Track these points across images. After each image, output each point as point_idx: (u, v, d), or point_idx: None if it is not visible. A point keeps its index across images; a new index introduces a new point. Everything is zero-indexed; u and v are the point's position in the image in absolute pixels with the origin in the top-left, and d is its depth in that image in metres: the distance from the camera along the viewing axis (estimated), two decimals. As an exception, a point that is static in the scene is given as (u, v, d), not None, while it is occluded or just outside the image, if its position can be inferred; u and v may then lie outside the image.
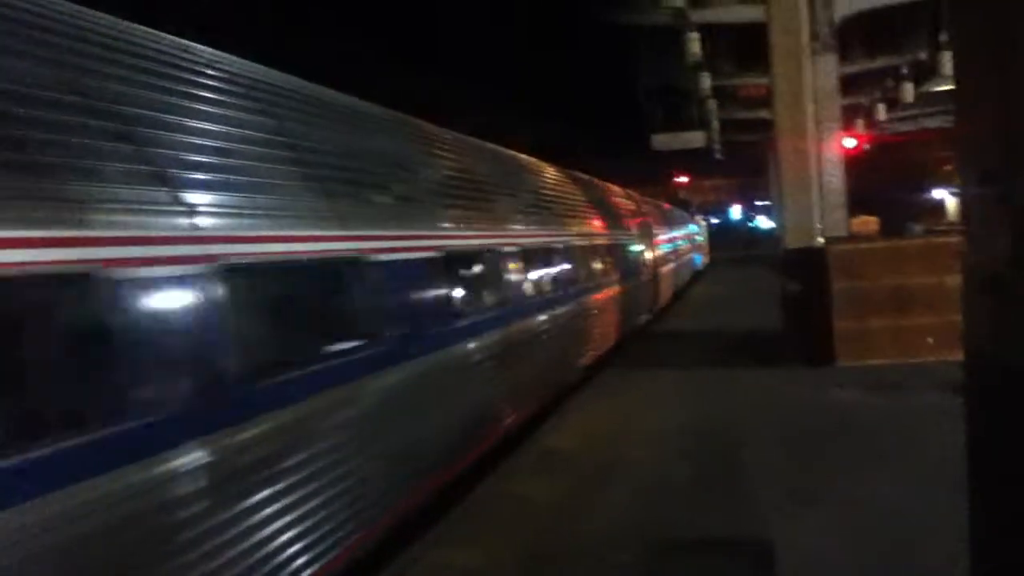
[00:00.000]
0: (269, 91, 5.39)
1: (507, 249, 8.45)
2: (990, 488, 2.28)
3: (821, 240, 11.98)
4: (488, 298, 7.90)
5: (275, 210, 4.68)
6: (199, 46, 4.96)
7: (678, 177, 49.14)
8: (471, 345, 7.24)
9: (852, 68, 23.64)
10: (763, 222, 65.65)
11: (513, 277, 8.53)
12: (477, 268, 7.80)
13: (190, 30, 4.94)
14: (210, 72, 4.81)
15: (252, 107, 5.03)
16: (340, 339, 5.20)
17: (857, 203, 19.49)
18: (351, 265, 5.36)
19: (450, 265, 6.97)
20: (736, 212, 76.21)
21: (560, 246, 10.63)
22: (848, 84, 24.58)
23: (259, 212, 4.52)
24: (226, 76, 4.97)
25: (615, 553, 5.40)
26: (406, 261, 6.08)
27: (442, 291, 6.78)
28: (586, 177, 15.43)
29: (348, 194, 5.64)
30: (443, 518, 6.27)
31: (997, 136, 2.01)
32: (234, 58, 5.28)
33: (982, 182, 2.07)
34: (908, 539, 5.12)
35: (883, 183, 32.89)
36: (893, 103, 27.95)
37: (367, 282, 5.48)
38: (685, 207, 44.82)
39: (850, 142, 23.92)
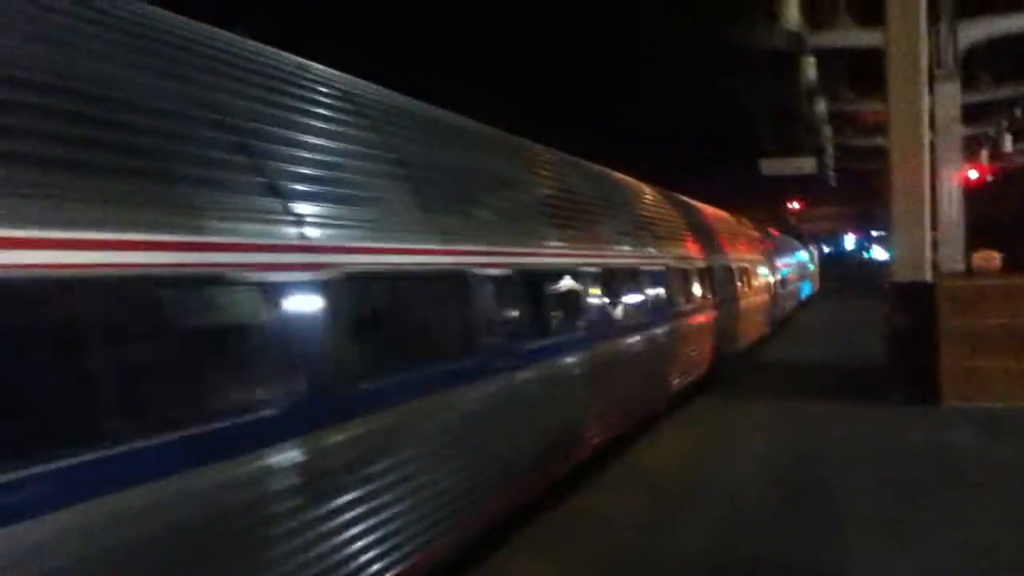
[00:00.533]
0: (383, 110, 5.70)
1: (602, 270, 8.43)
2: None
3: (929, 275, 11.51)
4: (584, 317, 7.87)
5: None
6: (321, 67, 5.27)
7: (790, 203, 48.05)
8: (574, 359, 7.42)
9: (977, 96, 22.74)
10: (878, 252, 63.54)
11: (602, 299, 8.48)
12: (585, 287, 7.90)
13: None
14: (338, 95, 5.18)
15: (367, 125, 5.34)
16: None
17: (980, 236, 18.75)
18: (453, 278, 5.54)
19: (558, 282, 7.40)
20: (850, 241, 74.00)
21: (654, 269, 10.51)
22: (973, 113, 23.69)
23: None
24: (347, 96, 5.31)
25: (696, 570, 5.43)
26: (507, 277, 6.17)
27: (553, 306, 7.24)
28: (686, 200, 15.27)
29: (454, 210, 5.82)
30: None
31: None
32: (353, 79, 5.61)
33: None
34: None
35: (1009, 216, 31.38)
36: (1020, 134, 26.72)
37: (467, 294, 5.64)
38: (796, 234, 43.87)
39: (972, 173, 22.97)
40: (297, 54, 5.09)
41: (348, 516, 4.13)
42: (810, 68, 19.59)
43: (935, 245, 12.02)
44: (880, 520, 6.34)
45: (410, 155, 5.56)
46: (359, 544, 4.23)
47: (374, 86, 5.84)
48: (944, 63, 18.36)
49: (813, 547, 5.80)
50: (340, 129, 4.92)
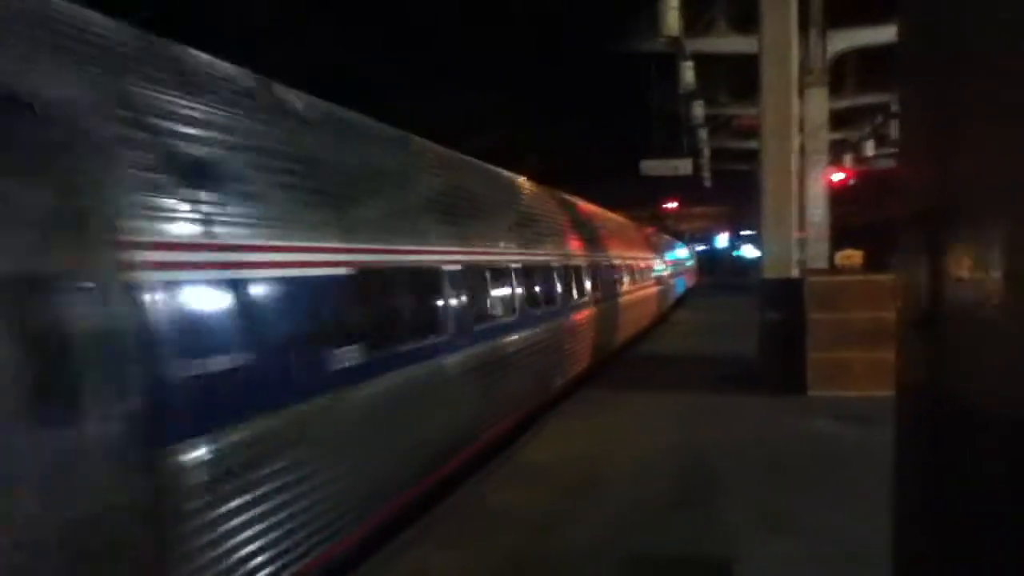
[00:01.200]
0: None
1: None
2: (912, 504, 2.41)
3: (796, 272, 12.17)
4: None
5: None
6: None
7: (667, 203, 49.47)
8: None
9: (842, 103, 24.01)
10: (749, 251, 66.03)
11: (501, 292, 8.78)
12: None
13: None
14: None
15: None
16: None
17: (845, 237, 19.78)
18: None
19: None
20: (723, 240, 76.60)
21: (552, 265, 10.86)
22: (839, 118, 24.99)
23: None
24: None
25: (588, 565, 5.56)
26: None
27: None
28: (566, 197, 15.54)
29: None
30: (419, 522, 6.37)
31: (932, 183, 2.15)
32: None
33: (913, 224, 2.21)
34: (860, 558, 5.26)
35: (871, 218, 33.22)
36: (882, 139, 28.35)
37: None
38: (673, 233, 45.28)
39: (837, 176, 24.24)
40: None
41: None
42: (688, 72, 20.26)
43: (803, 244, 12.69)
44: (752, 501, 6.75)
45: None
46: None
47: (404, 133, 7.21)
48: (813, 70, 19.35)
49: (702, 538, 6.09)
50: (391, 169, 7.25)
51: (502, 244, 9.53)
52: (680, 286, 36.35)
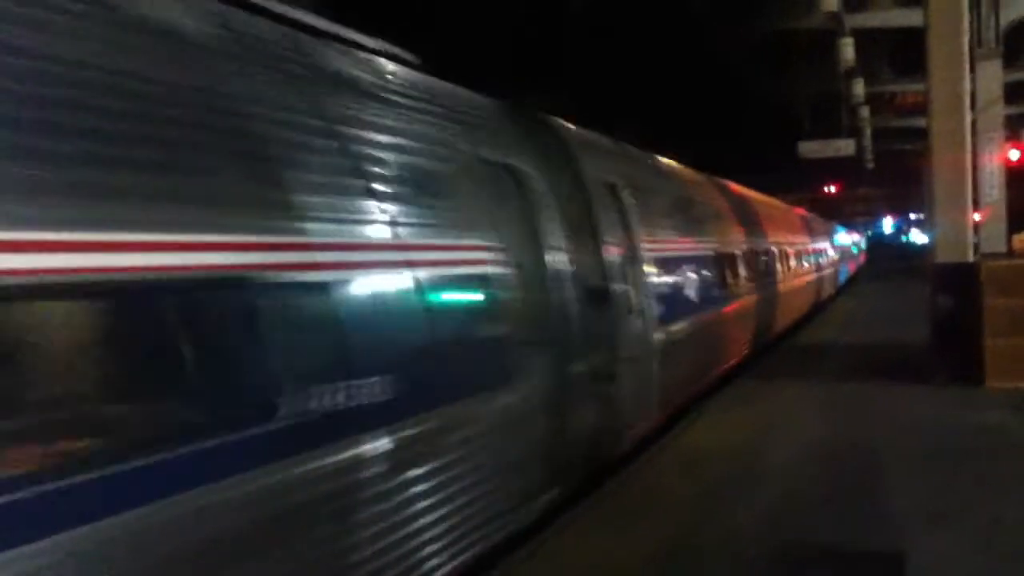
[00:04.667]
0: None
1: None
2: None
3: (971, 256, 11.48)
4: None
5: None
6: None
7: (827, 186, 47.64)
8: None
9: (1020, 75, 22.47)
10: (917, 236, 62.77)
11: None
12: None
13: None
14: None
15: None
16: None
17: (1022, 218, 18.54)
18: None
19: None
20: (887, 224, 73.12)
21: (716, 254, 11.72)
22: (1015, 92, 23.40)
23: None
24: None
25: (746, 550, 5.52)
26: None
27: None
28: (739, 188, 15.64)
29: None
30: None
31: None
32: None
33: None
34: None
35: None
36: (1066, 113, 26.35)
37: None
38: (841, 220, 43.76)
39: (1014, 153, 22.69)
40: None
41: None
42: (848, 49, 19.48)
43: (977, 226, 11.95)
44: (924, 487, 6.47)
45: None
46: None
47: None
48: (986, 42, 18.17)
49: (865, 528, 5.89)
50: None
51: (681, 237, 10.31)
52: (843, 273, 35.03)
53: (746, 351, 13.71)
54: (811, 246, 23.64)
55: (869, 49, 21.10)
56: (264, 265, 3.53)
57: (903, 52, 21.83)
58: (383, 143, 4.69)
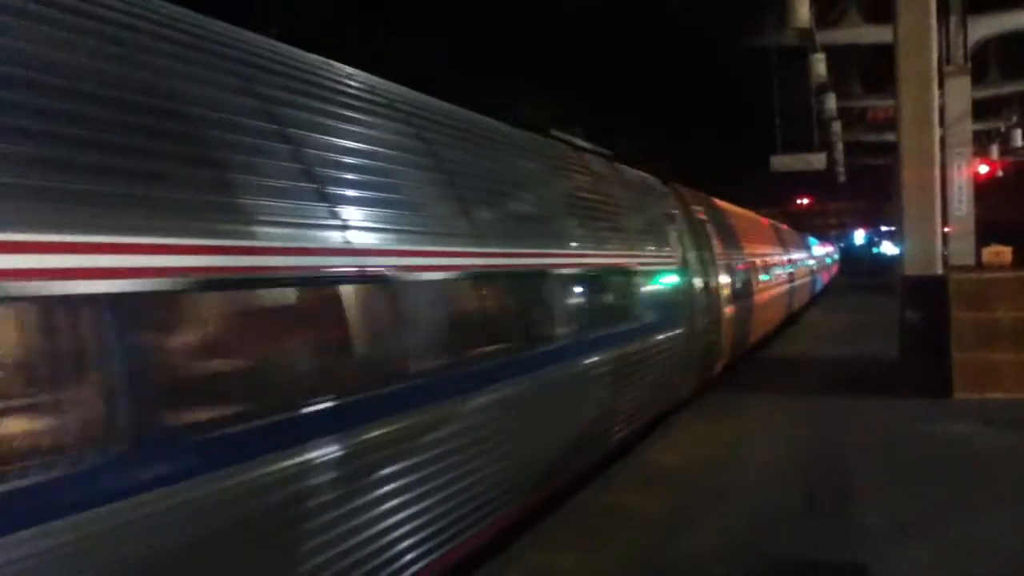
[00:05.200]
0: None
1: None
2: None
3: (940, 270, 11.61)
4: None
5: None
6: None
7: (799, 199, 48.04)
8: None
9: (987, 91, 22.81)
10: (888, 248, 63.44)
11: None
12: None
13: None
14: None
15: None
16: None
17: (991, 232, 18.79)
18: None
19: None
20: (859, 237, 73.82)
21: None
22: (983, 107, 23.73)
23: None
24: None
25: (712, 567, 5.49)
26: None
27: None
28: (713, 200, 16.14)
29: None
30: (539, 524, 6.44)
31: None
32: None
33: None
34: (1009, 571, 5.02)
35: (1020, 211, 31.37)
36: (1032, 128, 26.76)
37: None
38: (812, 232, 44.14)
39: (983, 168, 23.00)
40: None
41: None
42: (820, 65, 19.65)
43: (946, 240, 12.07)
44: (889, 508, 6.51)
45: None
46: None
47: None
48: (954, 59, 18.43)
49: (834, 543, 5.91)
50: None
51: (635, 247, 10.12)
52: (816, 284, 35.32)
53: (769, 328, 19.24)
54: (784, 257, 23.83)
55: (840, 65, 21.31)
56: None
57: (874, 68, 22.07)
58: (632, 206, 10.09)
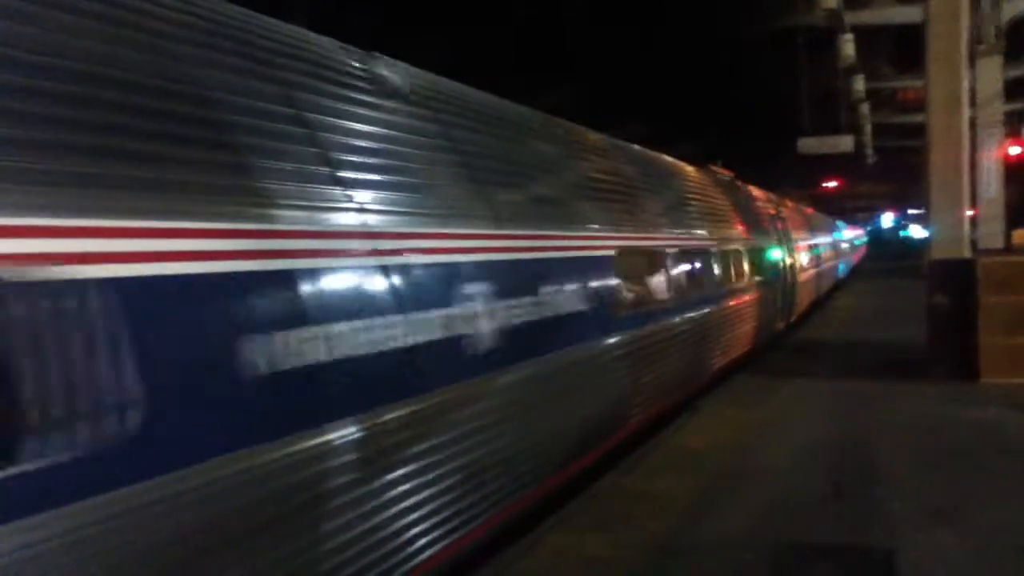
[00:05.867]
0: None
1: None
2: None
3: (968, 252, 11.48)
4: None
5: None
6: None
7: (827, 182, 47.55)
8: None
9: (1019, 71, 22.43)
10: (916, 231, 62.76)
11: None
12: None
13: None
14: None
15: None
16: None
17: (1022, 215, 18.51)
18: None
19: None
20: (887, 220, 73.01)
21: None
22: (1015, 87, 23.34)
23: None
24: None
25: (741, 552, 5.50)
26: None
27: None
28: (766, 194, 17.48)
29: None
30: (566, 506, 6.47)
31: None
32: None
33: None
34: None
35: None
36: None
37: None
38: (840, 215, 43.76)
39: (1014, 149, 22.64)
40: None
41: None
42: (848, 46, 19.44)
43: (975, 223, 11.92)
44: (916, 492, 6.49)
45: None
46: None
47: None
48: (986, 37, 18.15)
49: (862, 528, 5.90)
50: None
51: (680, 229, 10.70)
52: (842, 268, 35.04)
53: (810, 299, 21.89)
54: (811, 241, 23.70)
55: (869, 46, 21.04)
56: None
57: (903, 48, 21.77)
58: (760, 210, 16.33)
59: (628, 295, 8.09)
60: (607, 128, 9.82)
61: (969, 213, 11.49)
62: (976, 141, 15.49)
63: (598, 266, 7.04)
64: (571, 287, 6.38)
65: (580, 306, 6.49)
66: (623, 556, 5.49)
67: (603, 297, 6.99)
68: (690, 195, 11.41)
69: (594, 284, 6.83)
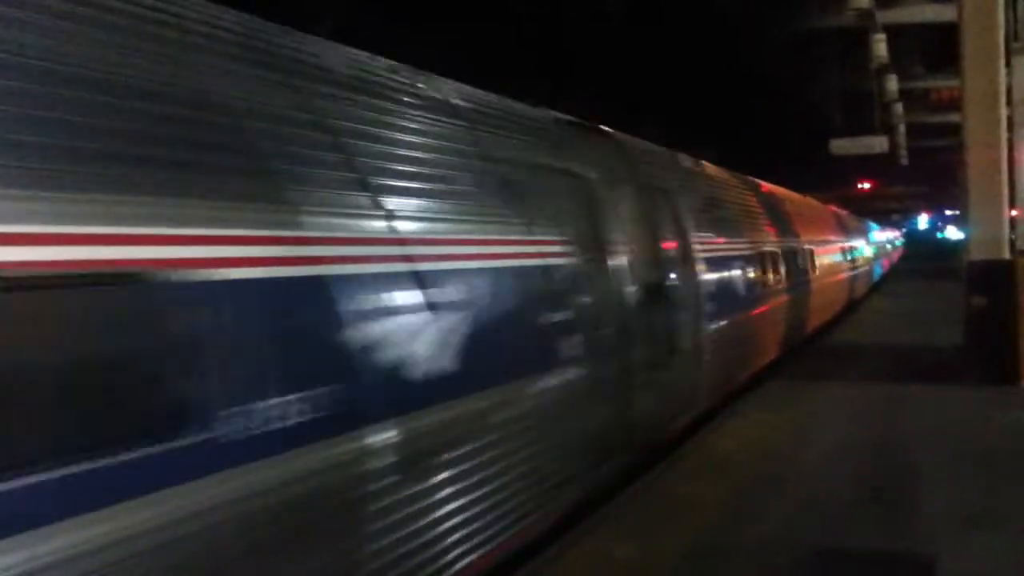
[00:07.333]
0: None
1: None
2: None
3: (1007, 254, 11.29)
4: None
5: None
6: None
7: (860, 184, 47.03)
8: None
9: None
10: (952, 233, 61.93)
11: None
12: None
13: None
14: None
15: None
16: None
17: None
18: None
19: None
20: (923, 221, 72.11)
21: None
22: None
23: None
24: None
25: (774, 557, 5.43)
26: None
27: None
28: (768, 185, 16.31)
29: None
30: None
31: None
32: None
33: None
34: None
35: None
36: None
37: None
38: (875, 217, 43.42)
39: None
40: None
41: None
42: (880, 45, 19.22)
43: (1013, 224, 11.71)
44: (961, 489, 6.38)
45: None
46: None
47: None
48: (1022, 35, 17.85)
49: (899, 533, 5.81)
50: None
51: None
52: (877, 271, 34.66)
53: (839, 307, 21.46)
54: (844, 244, 23.49)
55: (901, 45, 20.80)
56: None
57: (937, 47, 21.51)
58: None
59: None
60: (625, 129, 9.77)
61: (1012, 213, 11.28)
62: (1014, 140, 15.22)
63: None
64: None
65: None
66: (656, 561, 5.44)
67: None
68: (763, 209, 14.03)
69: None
